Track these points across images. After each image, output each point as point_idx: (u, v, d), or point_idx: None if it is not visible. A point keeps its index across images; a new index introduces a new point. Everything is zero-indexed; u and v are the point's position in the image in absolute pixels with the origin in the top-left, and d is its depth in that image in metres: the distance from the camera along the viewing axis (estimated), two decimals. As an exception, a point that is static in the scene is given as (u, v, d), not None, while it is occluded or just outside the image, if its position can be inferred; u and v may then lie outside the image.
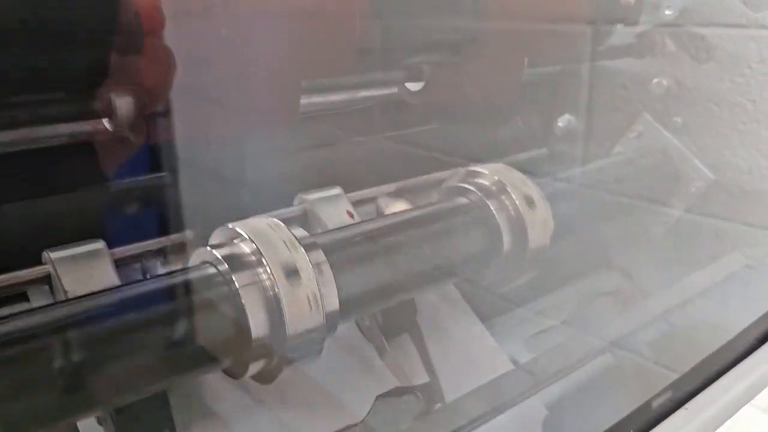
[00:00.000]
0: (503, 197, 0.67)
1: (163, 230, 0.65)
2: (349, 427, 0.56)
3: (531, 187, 0.68)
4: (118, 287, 0.50)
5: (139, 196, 0.67)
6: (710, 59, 0.94)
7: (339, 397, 0.64)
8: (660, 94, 0.94)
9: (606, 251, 0.91)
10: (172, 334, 0.48)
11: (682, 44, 0.96)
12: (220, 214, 0.57)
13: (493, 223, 0.65)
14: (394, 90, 0.69)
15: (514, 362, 0.71)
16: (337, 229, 0.61)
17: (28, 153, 0.59)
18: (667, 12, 0.95)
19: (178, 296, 0.50)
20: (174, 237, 0.66)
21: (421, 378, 0.64)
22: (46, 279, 0.58)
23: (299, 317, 0.50)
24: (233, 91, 0.48)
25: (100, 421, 0.54)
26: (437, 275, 0.62)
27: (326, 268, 0.53)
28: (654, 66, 0.96)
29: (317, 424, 0.61)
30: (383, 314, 0.68)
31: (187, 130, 0.49)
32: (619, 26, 0.97)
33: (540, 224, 0.67)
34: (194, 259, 0.54)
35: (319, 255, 0.53)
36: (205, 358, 0.49)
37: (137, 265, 0.63)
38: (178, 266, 0.59)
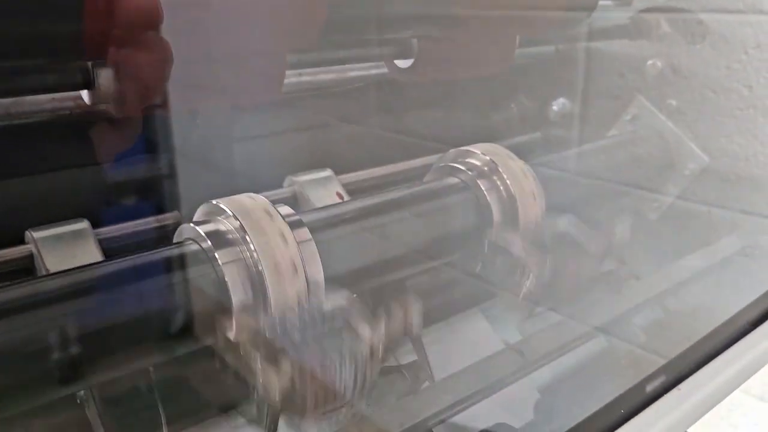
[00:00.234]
0: (494, 177, 0.66)
1: (148, 210, 0.64)
2: (336, 408, 0.55)
3: (523, 168, 0.67)
4: (99, 263, 0.49)
5: (124, 176, 0.66)
6: (706, 44, 0.93)
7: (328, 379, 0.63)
8: (654, 75, 0.93)
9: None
10: (154, 311, 0.48)
11: (679, 29, 0.95)
12: (206, 193, 0.57)
13: (484, 203, 0.64)
14: (384, 70, 0.68)
15: (507, 345, 0.70)
16: (324, 207, 0.60)
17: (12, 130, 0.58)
18: (663, -5, 0.94)
19: (161, 273, 0.49)
20: (161, 217, 0.65)
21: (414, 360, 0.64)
22: (29, 259, 0.57)
23: (283, 294, 0.49)
24: (214, 65, 0.48)
25: (82, 401, 0.54)
26: (426, 255, 0.61)
27: (311, 246, 0.52)
28: (650, 51, 0.95)
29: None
30: (372, 295, 0.67)
31: (168, 105, 0.49)
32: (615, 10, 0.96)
33: (531, 205, 0.66)
34: (178, 235, 0.53)
35: (305, 233, 0.53)
36: (187, 335, 0.49)
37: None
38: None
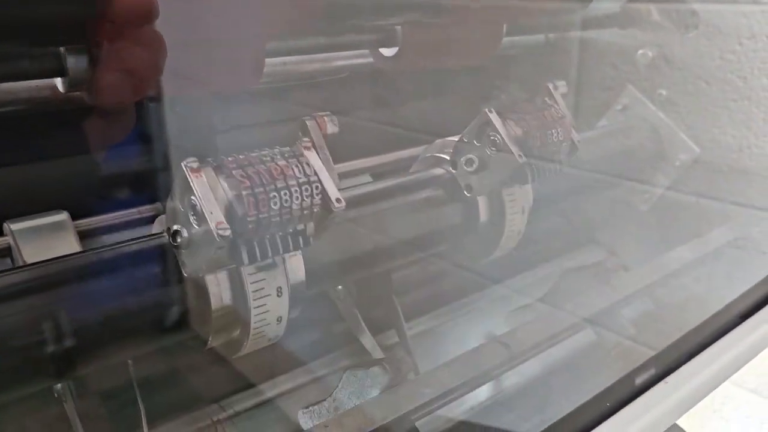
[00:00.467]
0: (480, 168, 0.65)
1: (130, 201, 0.63)
2: (319, 401, 0.54)
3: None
4: (74, 254, 0.48)
5: (107, 167, 0.65)
6: (700, 35, 0.92)
7: (313, 372, 0.63)
8: (645, 65, 0.92)
9: (588, 225, 0.89)
10: (131, 304, 0.47)
11: (672, 19, 0.94)
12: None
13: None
14: (369, 59, 0.67)
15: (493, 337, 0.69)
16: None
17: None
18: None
19: (138, 265, 0.48)
20: (142, 209, 0.64)
21: (396, 353, 0.63)
22: (7, 250, 0.56)
23: (262, 288, 0.48)
24: (187, 50, 0.46)
25: (60, 396, 0.53)
26: (410, 247, 0.61)
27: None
28: (641, 40, 0.94)
29: (289, 399, 0.60)
30: (358, 288, 0.66)
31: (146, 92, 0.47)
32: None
33: (518, 196, 0.65)
34: (156, 226, 0.52)
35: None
36: (164, 329, 0.48)
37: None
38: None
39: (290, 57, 0.64)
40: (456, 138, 0.66)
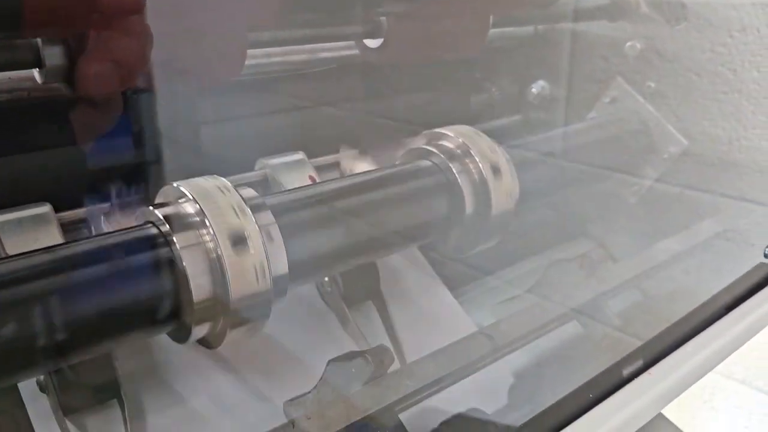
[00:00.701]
0: (467, 160, 0.65)
1: (115, 193, 0.63)
2: (303, 394, 0.54)
3: (496, 151, 0.66)
4: (56, 246, 0.48)
5: (91, 160, 0.65)
6: (690, 27, 0.92)
7: (298, 364, 0.63)
8: (633, 56, 0.92)
9: (576, 217, 0.89)
10: (111, 295, 0.46)
11: (661, 11, 0.94)
12: (173, 178, 0.55)
13: (456, 186, 0.63)
14: (355, 51, 0.66)
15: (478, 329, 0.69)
16: (290, 190, 0.59)
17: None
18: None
19: (118, 256, 0.48)
20: (125, 201, 0.64)
21: (381, 345, 0.63)
22: (-11, 243, 0.56)
23: (244, 280, 0.48)
24: (168, 41, 0.46)
25: (42, 389, 0.53)
26: (396, 239, 0.61)
27: (274, 230, 0.51)
28: (632, 33, 0.94)
29: (274, 392, 0.59)
30: (344, 281, 0.66)
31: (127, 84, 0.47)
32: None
33: (505, 188, 0.65)
34: (138, 218, 0.52)
35: (268, 216, 0.51)
36: (145, 321, 0.48)
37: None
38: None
39: (274, 48, 0.63)
40: (441, 129, 0.66)
